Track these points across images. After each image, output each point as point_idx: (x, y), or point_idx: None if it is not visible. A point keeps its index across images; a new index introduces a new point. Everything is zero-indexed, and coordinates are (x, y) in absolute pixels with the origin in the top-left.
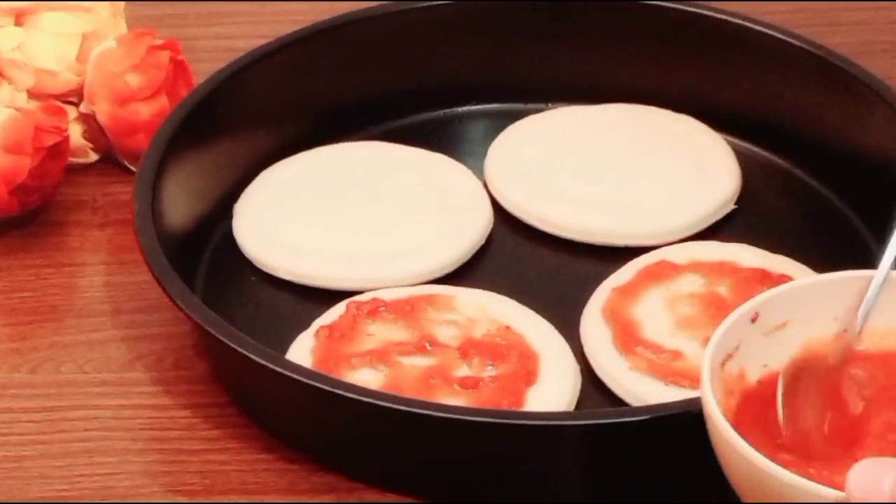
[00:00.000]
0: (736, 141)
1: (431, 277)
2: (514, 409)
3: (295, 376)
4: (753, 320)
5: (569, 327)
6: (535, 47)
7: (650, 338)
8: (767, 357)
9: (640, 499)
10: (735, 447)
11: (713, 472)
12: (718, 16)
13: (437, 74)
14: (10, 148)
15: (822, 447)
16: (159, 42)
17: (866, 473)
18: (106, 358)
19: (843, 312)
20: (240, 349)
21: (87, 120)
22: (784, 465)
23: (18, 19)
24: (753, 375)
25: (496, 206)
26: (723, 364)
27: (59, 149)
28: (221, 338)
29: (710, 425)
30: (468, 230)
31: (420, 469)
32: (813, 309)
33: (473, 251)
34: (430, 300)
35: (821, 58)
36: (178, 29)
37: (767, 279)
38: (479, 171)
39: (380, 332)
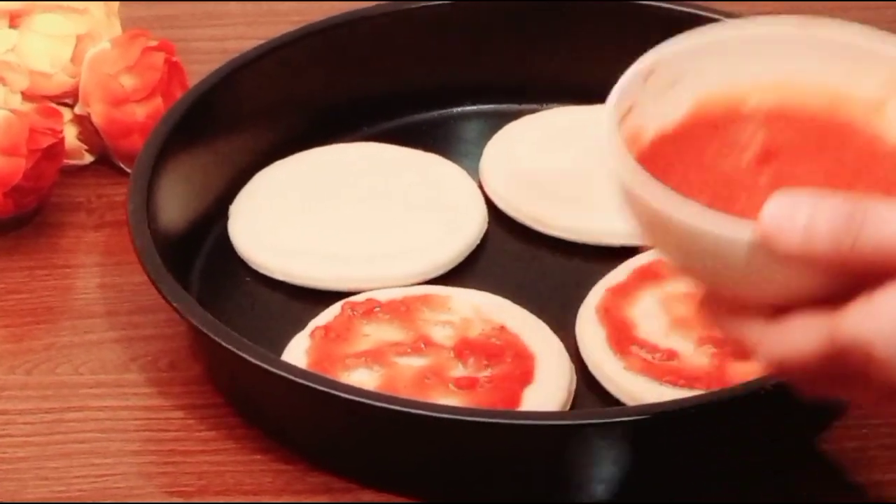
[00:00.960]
0: None
1: (426, 278)
2: (509, 409)
3: (290, 377)
4: (646, 79)
5: (564, 327)
6: (529, 48)
7: (645, 337)
8: (660, 115)
9: (636, 498)
10: (641, 183)
11: (709, 471)
12: (713, 16)
13: (432, 75)
14: (4, 150)
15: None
16: (154, 43)
17: (781, 206)
18: (101, 359)
19: (737, 68)
20: (235, 350)
21: (82, 121)
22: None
23: (12, 21)
24: (647, 135)
25: (491, 206)
26: (618, 124)
27: (54, 150)
28: (217, 339)
29: (616, 168)
30: (463, 230)
31: (416, 469)
32: (705, 65)
33: (468, 251)
34: (425, 300)
35: None
36: (172, 30)
37: None
38: (474, 172)
39: (375, 333)
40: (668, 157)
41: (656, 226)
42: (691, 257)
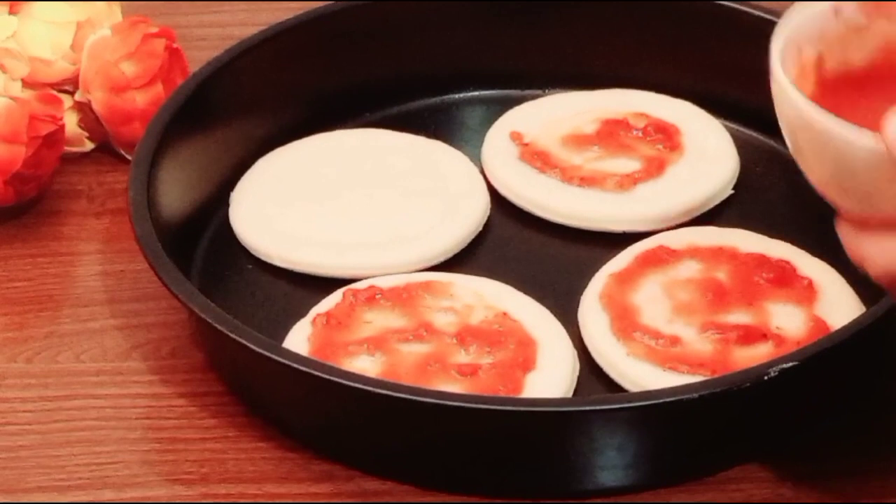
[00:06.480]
0: (734, 126)
1: (428, 264)
2: (512, 395)
3: (292, 364)
4: (836, 14)
5: (567, 313)
6: (532, 33)
7: (648, 323)
8: (848, 51)
9: (639, 483)
10: (787, 92)
11: (711, 456)
12: (716, 0)
13: (434, 61)
14: (5, 137)
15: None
16: (154, 30)
17: None
18: (102, 347)
19: None
20: (236, 338)
21: (83, 108)
22: None
23: (12, 8)
24: (832, 64)
25: (493, 192)
26: (800, 48)
27: (55, 138)
28: (218, 326)
29: (772, 80)
30: (465, 217)
31: (418, 456)
32: None
33: (470, 238)
34: (427, 287)
35: None
36: (173, 17)
37: (766, 264)
38: (476, 158)
39: (377, 320)
40: (847, 99)
41: (802, 133)
42: (825, 165)
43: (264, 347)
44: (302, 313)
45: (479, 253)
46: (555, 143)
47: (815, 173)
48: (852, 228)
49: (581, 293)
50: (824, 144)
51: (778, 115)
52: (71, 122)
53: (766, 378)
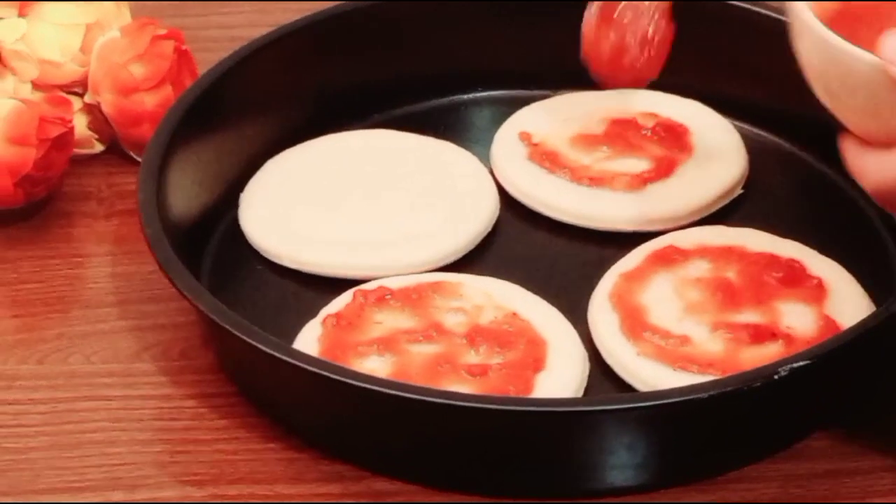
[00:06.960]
0: (743, 125)
1: (438, 265)
2: (522, 395)
3: (301, 365)
4: None
5: (576, 313)
6: (540, 33)
7: (658, 323)
8: None
9: (649, 483)
10: (800, 16)
11: (721, 455)
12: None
13: (443, 61)
14: (15, 139)
15: None
16: (163, 32)
17: None
18: (113, 349)
19: None
20: (246, 339)
21: (92, 110)
22: None
23: (22, 10)
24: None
25: (502, 192)
26: None
27: (64, 140)
28: (228, 327)
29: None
30: (474, 217)
31: (427, 456)
32: None
33: (480, 238)
34: (436, 287)
35: None
36: (181, 19)
37: (776, 263)
38: (485, 158)
39: (387, 320)
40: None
41: (817, 54)
42: (832, 83)
43: (274, 348)
44: (312, 314)
45: (489, 253)
46: (564, 143)
47: (831, 96)
48: (855, 144)
49: (591, 293)
50: (837, 65)
51: (795, 37)
52: (80, 123)
53: (776, 377)
